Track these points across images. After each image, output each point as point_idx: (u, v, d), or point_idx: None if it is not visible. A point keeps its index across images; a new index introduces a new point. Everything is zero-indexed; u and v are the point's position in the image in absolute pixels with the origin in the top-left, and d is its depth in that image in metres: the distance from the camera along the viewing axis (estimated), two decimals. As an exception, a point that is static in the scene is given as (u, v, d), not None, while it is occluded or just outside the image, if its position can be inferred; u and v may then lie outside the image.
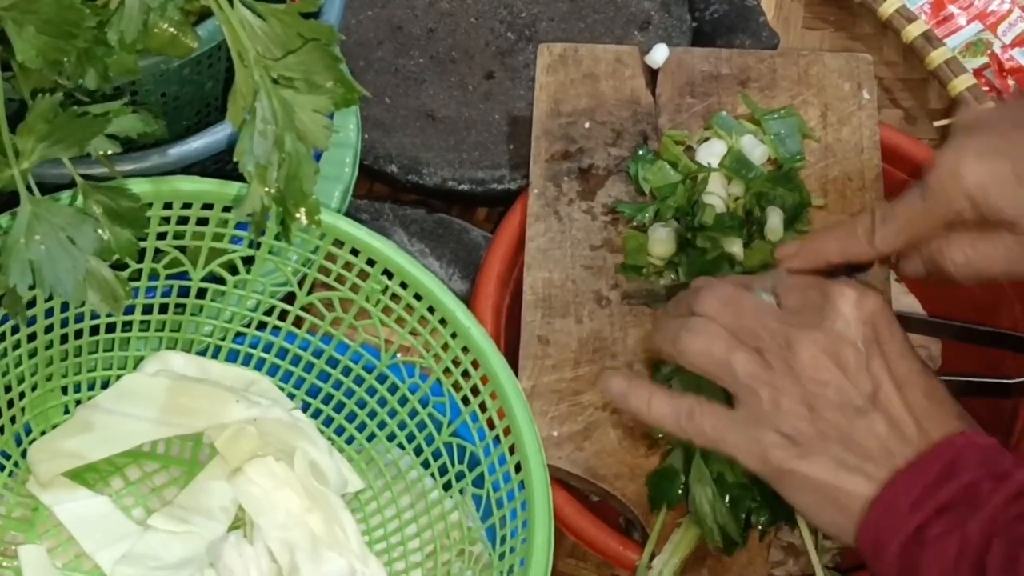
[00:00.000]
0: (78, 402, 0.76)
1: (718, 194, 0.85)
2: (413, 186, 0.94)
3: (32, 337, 0.72)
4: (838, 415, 0.67)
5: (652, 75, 0.90)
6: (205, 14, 0.70)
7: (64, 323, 0.73)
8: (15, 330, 0.70)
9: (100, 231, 0.66)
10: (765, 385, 0.69)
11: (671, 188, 0.84)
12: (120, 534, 0.74)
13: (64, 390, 0.76)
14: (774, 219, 0.83)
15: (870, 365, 0.68)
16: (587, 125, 0.88)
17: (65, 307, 0.72)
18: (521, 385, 0.78)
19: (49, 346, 0.73)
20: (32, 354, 0.72)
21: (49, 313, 0.71)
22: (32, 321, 0.71)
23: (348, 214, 0.84)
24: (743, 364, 0.69)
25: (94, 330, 0.74)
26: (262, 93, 0.66)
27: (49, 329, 0.72)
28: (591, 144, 0.87)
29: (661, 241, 0.83)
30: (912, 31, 0.98)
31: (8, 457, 0.74)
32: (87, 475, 0.75)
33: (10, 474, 0.74)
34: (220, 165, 0.75)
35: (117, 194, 0.67)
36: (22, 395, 0.73)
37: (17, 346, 0.71)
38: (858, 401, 0.67)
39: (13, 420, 0.73)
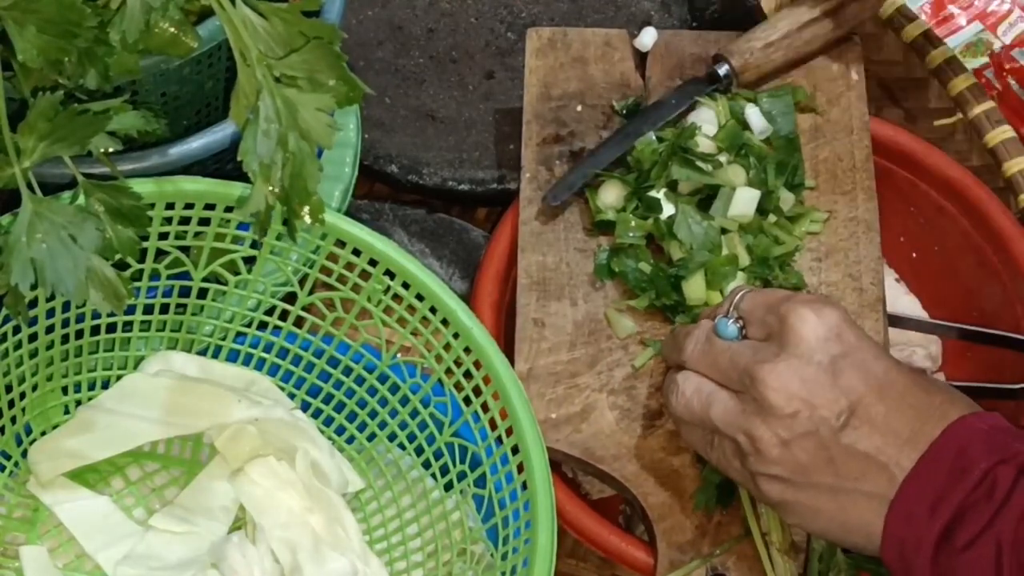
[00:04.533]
0: (79, 402, 0.75)
1: (708, 121, 0.85)
2: (413, 186, 0.94)
3: (33, 337, 0.71)
4: (813, 443, 0.66)
5: (641, 58, 0.91)
6: (205, 14, 0.69)
7: (65, 323, 0.73)
8: (16, 330, 0.70)
9: (101, 229, 0.66)
10: (740, 431, 0.69)
11: (655, 154, 0.84)
12: (121, 534, 0.74)
13: (65, 390, 0.76)
14: (783, 191, 0.84)
15: (840, 381, 0.67)
16: (579, 108, 0.88)
17: (66, 307, 0.72)
18: (517, 368, 0.78)
19: (50, 346, 0.73)
20: (33, 354, 0.72)
21: (50, 313, 0.71)
22: (33, 321, 0.71)
23: (348, 214, 0.84)
24: (718, 415, 0.70)
25: (95, 330, 0.74)
26: (265, 92, 0.66)
27: (50, 329, 0.72)
28: (582, 127, 0.88)
29: (609, 191, 0.83)
30: (912, 31, 0.97)
31: (9, 457, 0.74)
32: (88, 475, 0.75)
33: (11, 474, 0.74)
34: (220, 165, 0.75)
35: (119, 193, 0.67)
36: (23, 395, 0.73)
37: (18, 346, 0.71)
38: (834, 422, 0.66)
39: (14, 420, 0.73)
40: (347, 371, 0.78)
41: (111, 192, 0.67)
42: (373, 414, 0.79)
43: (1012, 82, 1.02)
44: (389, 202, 0.94)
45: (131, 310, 0.75)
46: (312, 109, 0.67)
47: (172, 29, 0.67)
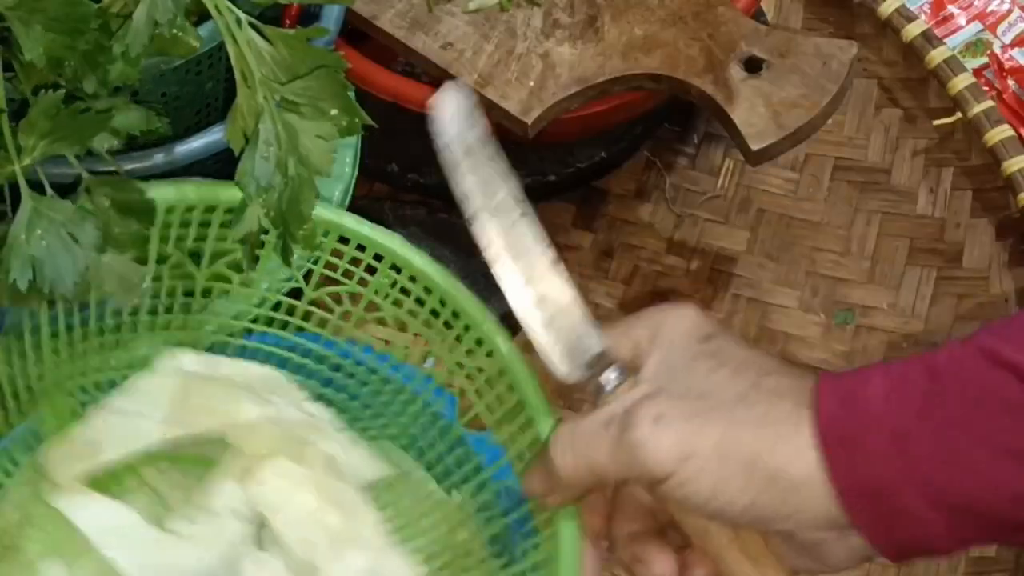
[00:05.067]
0: (89, 403, 0.75)
1: None
2: (413, 185, 0.94)
3: (45, 336, 0.71)
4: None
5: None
6: (206, 14, 0.69)
7: (71, 323, 0.72)
8: (34, 331, 0.70)
9: (101, 228, 0.66)
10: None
11: None
12: (137, 539, 0.72)
13: (74, 392, 0.75)
14: None
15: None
16: None
17: (83, 307, 0.71)
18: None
19: (55, 348, 0.72)
20: (40, 355, 0.72)
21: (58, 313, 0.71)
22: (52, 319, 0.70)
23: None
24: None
25: (101, 330, 0.74)
26: (266, 116, 0.66)
27: (61, 328, 0.72)
28: None
29: None
30: (912, 31, 0.98)
31: (17, 463, 0.73)
32: (101, 478, 0.74)
33: (21, 479, 0.73)
34: (220, 165, 0.75)
35: (124, 186, 0.67)
36: (32, 397, 0.73)
37: (25, 346, 0.71)
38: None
39: (24, 422, 0.73)
40: (353, 368, 0.78)
41: (116, 185, 0.67)
42: (376, 414, 0.78)
43: (1012, 82, 1.02)
44: (389, 201, 0.94)
45: (135, 310, 0.75)
46: (312, 136, 0.67)
47: (173, 30, 0.67)
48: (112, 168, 0.68)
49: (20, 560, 0.70)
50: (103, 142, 0.66)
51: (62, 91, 0.65)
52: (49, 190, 0.65)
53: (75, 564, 0.72)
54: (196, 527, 0.72)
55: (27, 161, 0.65)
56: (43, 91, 0.65)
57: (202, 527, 0.73)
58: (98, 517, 0.72)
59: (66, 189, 0.67)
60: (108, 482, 0.75)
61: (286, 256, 0.69)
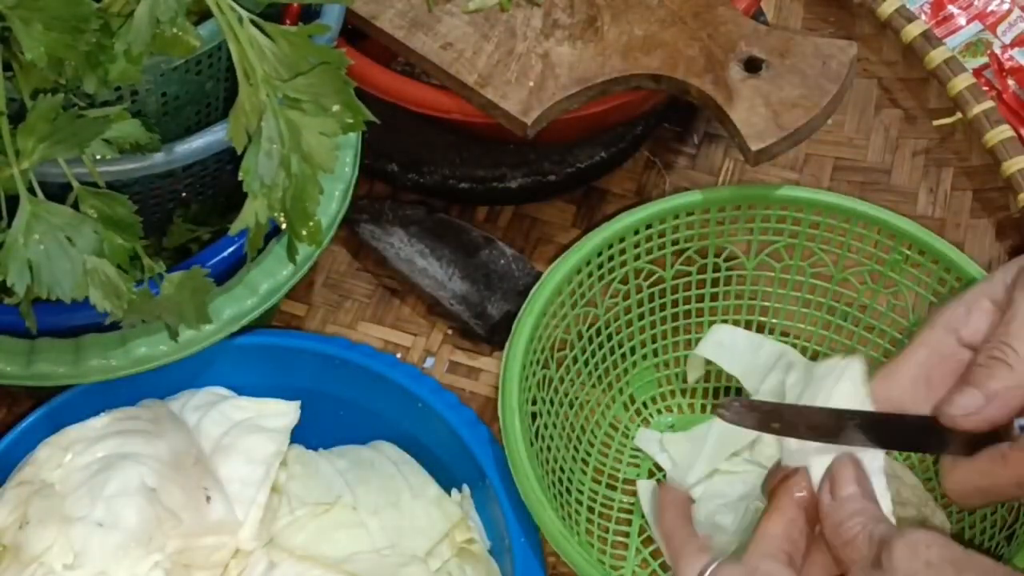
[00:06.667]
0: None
1: None
2: (413, 184, 0.94)
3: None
4: None
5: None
6: (206, 14, 0.69)
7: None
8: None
9: (99, 232, 0.66)
10: None
11: None
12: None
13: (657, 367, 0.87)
14: None
15: None
16: None
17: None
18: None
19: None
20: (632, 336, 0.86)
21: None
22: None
23: (348, 213, 0.83)
24: None
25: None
26: (268, 113, 0.66)
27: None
28: None
29: None
30: (912, 31, 0.98)
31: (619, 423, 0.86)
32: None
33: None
34: (221, 164, 0.75)
35: (112, 200, 0.67)
36: (626, 371, 0.86)
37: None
38: None
39: (621, 392, 0.86)
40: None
41: (105, 199, 0.67)
42: (378, 412, 0.79)
43: (1012, 82, 1.02)
44: (389, 201, 0.94)
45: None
46: (315, 133, 0.67)
47: (173, 29, 0.67)
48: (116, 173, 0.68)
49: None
50: (97, 151, 0.67)
51: (60, 95, 0.65)
52: (40, 193, 0.65)
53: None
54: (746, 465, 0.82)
55: (26, 165, 0.65)
56: (42, 95, 0.65)
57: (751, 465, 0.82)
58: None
59: (53, 193, 0.67)
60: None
61: (292, 255, 0.69)
